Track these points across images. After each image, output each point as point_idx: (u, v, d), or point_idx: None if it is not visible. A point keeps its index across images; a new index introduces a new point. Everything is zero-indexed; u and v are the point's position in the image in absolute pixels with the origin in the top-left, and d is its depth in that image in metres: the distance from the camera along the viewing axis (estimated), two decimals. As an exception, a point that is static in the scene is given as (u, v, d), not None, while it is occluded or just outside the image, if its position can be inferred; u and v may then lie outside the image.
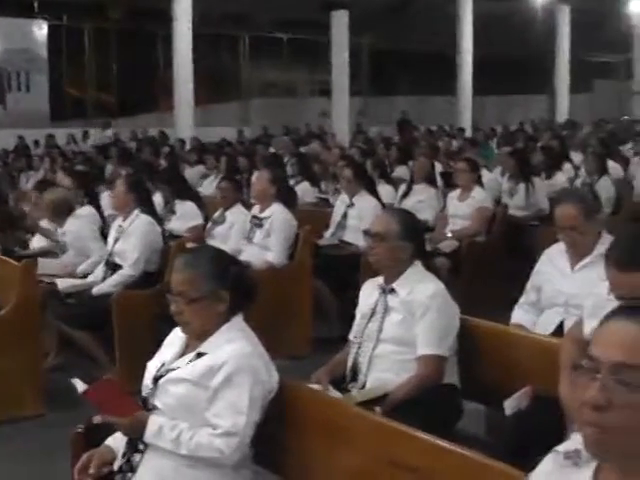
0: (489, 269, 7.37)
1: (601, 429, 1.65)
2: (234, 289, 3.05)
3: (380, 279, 3.90)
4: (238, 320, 3.09)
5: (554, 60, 28.43)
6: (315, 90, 30.97)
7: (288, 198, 7.03)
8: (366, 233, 4.00)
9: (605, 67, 33.79)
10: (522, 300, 4.54)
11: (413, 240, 3.83)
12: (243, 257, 6.49)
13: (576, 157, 11.45)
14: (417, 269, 3.84)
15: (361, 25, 23.74)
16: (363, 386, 3.72)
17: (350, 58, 23.34)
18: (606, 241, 3.85)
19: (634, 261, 2.95)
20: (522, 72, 29.19)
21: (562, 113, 28.27)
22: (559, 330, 4.16)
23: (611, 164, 10.23)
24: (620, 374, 1.65)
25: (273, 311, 5.99)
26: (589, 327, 3.18)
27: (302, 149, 15.90)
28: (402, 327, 3.72)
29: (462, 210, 7.73)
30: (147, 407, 3.04)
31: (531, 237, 7.58)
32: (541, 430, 3.09)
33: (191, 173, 12.20)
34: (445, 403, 3.68)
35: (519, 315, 4.48)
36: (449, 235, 7.56)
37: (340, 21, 23.02)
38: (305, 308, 6.54)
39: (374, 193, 7.58)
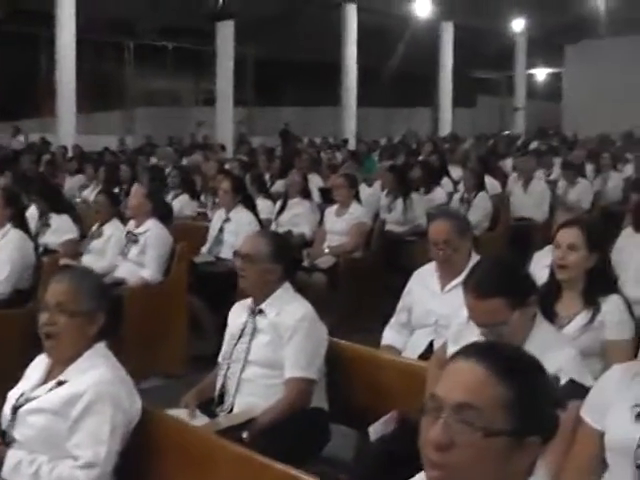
0: (366, 285, 7.41)
1: (444, 469, 1.64)
2: (109, 314, 2.99)
3: (249, 300, 3.87)
4: (101, 346, 3.01)
5: (438, 74, 28.98)
6: (200, 100, 30.79)
7: (164, 214, 6.91)
8: (235, 254, 3.95)
9: (488, 83, 34.72)
10: (393, 320, 4.55)
11: (282, 261, 3.80)
12: (118, 273, 6.37)
13: (456, 172, 11.64)
14: (286, 290, 3.81)
15: (246, 35, 23.70)
16: (231, 409, 3.66)
17: (235, 68, 23.27)
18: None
19: (490, 289, 2.98)
20: (407, 85, 29.68)
21: (445, 126, 28.85)
22: (429, 351, 4.19)
23: (489, 180, 10.44)
24: (463, 414, 1.64)
25: (148, 329, 5.89)
26: (450, 352, 3.20)
27: (185, 160, 15.75)
28: (270, 349, 3.68)
29: (339, 226, 7.74)
30: (6, 440, 2.93)
31: (409, 253, 7.67)
32: (406, 455, 3.08)
33: (71, 183, 11.91)
34: (313, 427, 3.65)
35: (390, 336, 4.49)
36: (326, 251, 7.55)
37: (225, 31, 22.94)
38: (180, 325, 6.42)
39: (251, 208, 7.52)
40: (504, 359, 1.73)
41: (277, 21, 25.57)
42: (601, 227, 4.45)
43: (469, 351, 1.75)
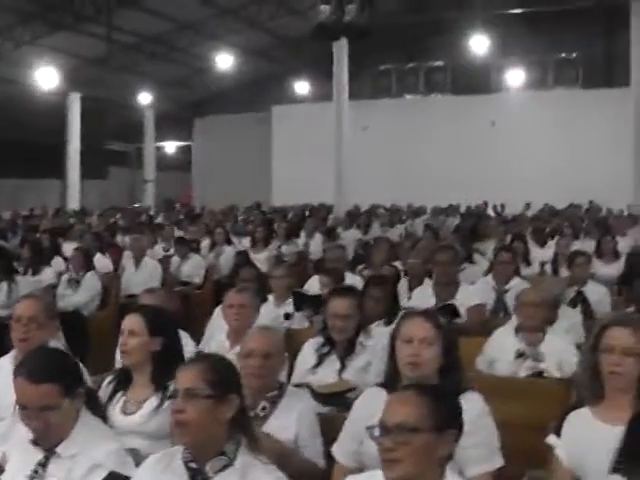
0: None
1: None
2: None
3: None
4: None
5: (66, 145, 28.66)
6: None
7: None
8: None
9: (119, 155, 34.84)
10: None
11: None
12: None
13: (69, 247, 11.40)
14: None
15: None
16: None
17: None
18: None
19: (42, 374, 3.06)
20: (34, 156, 28.96)
21: (74, 199, 28.51)
22: None
23: (100, 258, 10.46)
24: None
25: None
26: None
27: None
28: None
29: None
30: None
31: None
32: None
33: None
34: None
35: None
36: None
37: None
38: None
39: None
40: None
41: None
42: (164, 311, 4.52)
43: None
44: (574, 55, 28.94)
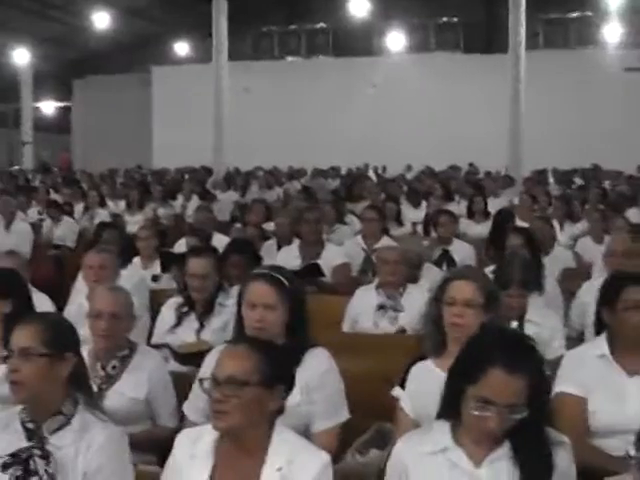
0: None
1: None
2: None
3: None
4: None
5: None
6: None
7: None
8: None
9: (-5, 116, 33.80)
10: None
11: None
12: None
13: None
14: None
15: None
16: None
17: None
18: None
19: None
20: None
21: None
22: None
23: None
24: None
25: None
26: None
27: None
28: None
29: None
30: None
31: None
32: None
33: None
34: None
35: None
36: None
37: None
38: None
39: None
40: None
41: None
42: (15, 274, 4.46)
43: None
44: (455, 20, 29.33)
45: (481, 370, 2.49)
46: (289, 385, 2.75)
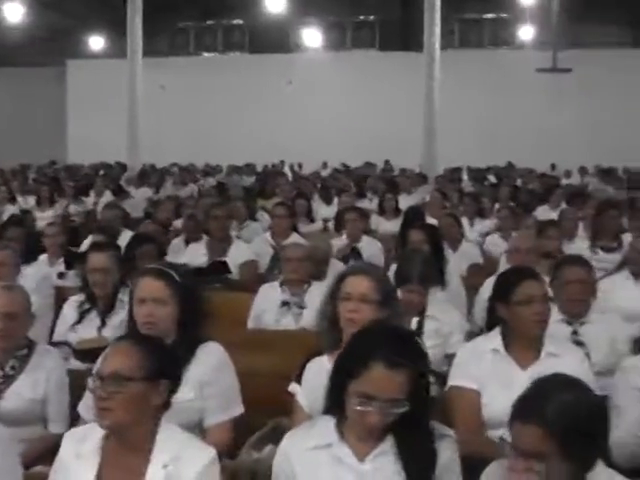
0: None
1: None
2: None
3: None
4: None
5: None
6: None
7: None
8: None
9: None
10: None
11: None
12: None
13: None
14: None
15: None
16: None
17: None
18: None
19: None
20: None
21: None
22: None
23: None
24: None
25: None
26: None
27: None
28: None
29: None
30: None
31: None
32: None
33: None
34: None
35: None
36: None
37: None
38: None
39: None
40: None
41: None
42: None
43: None
44: (372, 18, 29.51)
45: (363, 365, 2.50)
46: (176, 380, 2.74)
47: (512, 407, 2.45)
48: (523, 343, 3.65)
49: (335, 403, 2.64)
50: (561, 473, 2.33)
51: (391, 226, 9.90)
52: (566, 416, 2.33)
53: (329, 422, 2.68)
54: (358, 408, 2.52)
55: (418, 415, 2.56)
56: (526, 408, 2.41)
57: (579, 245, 7.58)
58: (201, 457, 2.64)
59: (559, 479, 2.34)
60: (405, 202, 11.64)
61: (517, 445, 2.35)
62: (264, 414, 3.65)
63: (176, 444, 2.65)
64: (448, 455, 2.64)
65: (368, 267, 3.81)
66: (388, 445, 2.60)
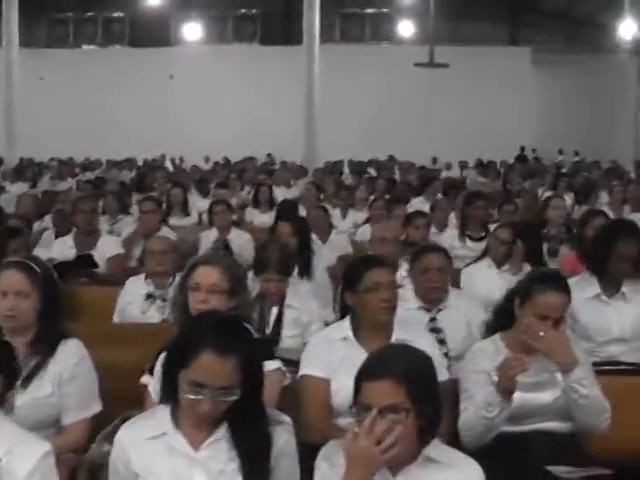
0: None
1: None
2: None
3: None
4: None
5: None
6: None
7: None
8: None
9: None
10: None
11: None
12: None
13: None
14: None
15: None
16: None
17: None
18: None
19: None
20: None
21: None
22: None
23: None
24: None
25: None
26: None
27: None
28: None
29: None
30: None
31: None
32: None
33: None
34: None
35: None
36: None
37: None
38: None
39: None
40: None
41: None
42: None
43: None
44: (254, 11, 29.48)
45: (193, 354, 2.52)
46: (11, 377, 2.67)
47: (359, 372, 2.57)
48: (372, 330, 3.71)
49: (169, 392, 2.65)
50: (413, 425, 2.47)
51: (265, 218, 9.97)
52: (411, 368, 2.52)
53: (164, 411, 2.69)
54: (190, 397, 2.53)
55: (251, 402, 2.60)
56: (374, 366, 2.55)
57: (449, 234, 7.81)
58: (35, 451, 2.58)
59: (411, 430, 2.47)
60: (284, 195, 11.71)
61: (370, 404, 2.46)
62: (126, 408, 3.62)
63: (10, 439, 2.58)
64: (284, 440, 2.69)
65: (217, 257, 3.84)
66: (222, 432, 2.63)
